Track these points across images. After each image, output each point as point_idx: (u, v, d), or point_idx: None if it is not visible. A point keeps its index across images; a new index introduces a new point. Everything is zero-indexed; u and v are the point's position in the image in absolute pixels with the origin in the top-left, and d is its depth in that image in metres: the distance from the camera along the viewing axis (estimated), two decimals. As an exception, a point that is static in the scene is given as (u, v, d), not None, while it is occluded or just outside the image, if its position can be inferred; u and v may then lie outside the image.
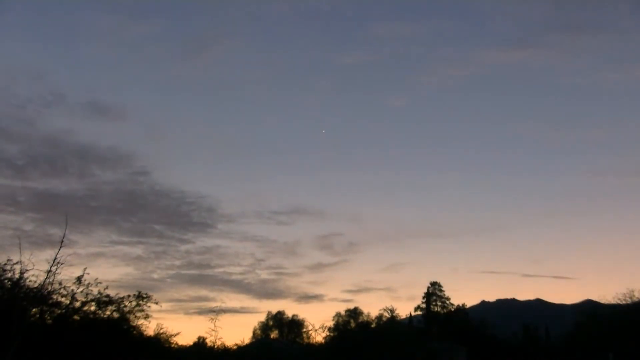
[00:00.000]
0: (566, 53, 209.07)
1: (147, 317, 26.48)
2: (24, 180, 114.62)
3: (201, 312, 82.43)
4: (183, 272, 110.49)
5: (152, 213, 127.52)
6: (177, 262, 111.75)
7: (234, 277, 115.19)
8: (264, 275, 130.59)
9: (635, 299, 54.67)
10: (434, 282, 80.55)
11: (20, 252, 18.33)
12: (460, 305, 79.95)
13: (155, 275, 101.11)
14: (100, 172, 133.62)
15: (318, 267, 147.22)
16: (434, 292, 79.45)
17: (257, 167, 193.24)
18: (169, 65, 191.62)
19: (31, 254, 18.37)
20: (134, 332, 26.83)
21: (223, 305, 30.70)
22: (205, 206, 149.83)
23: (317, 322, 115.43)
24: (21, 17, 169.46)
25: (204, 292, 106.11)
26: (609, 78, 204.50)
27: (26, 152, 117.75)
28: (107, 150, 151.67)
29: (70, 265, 19.30)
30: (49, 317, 22.90)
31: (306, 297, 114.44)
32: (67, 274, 20.18)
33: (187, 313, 79.52)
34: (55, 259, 17.40)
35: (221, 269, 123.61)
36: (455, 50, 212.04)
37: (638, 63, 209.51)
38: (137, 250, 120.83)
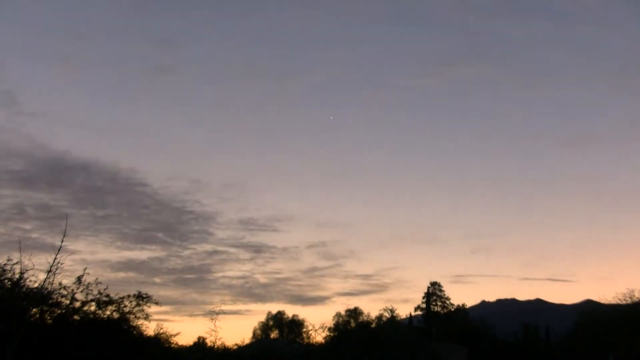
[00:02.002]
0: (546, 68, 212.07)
1: (147, 317, 26.45)
2: (30, 191, 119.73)
3: (202, 313, 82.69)
4: (184, 276, 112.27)
5: (154, 222, 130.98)
6: (179, 267, 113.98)
7: (234, 282, 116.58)
8: (263, 279, 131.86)
9: (635, 299, 54.82)
10: (434, 282, 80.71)
11: (21, 252, 18.32)
12: (460, 305, 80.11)
13: (157, 280, 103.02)
14: (102, 184, 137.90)
15: (316, 270, 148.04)
16: (434, 292, 79.54)
17: (254, 175, 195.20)
18: (163, 81, 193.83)
19: (31, 254, 18.34)
20: (134, 332, 26.80)
21: (223, 307, 30.56)
22: (205, 214, 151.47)
23: (316, 324, 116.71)
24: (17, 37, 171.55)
25: (204, 296, 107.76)
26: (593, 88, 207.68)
27: (31, 165, 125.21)
28: (109, 163, 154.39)
29: (71, 265, 19.28)
30: (49, 317, 22.88)
31: (304, 300, 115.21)
32: (67, 274, 20.17)
33: (188, 315, 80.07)
34: (55, 258, 17.38)
35: (221, 274, 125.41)
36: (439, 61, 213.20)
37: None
38: (140, 257, 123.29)
